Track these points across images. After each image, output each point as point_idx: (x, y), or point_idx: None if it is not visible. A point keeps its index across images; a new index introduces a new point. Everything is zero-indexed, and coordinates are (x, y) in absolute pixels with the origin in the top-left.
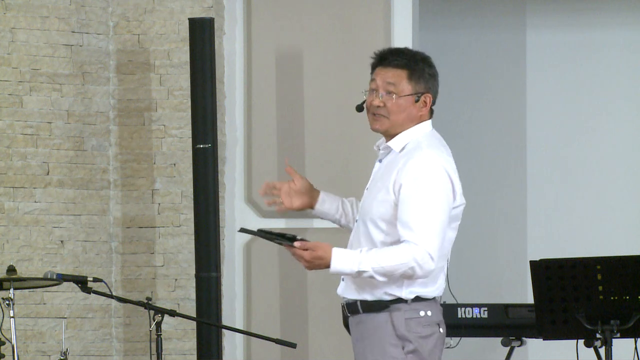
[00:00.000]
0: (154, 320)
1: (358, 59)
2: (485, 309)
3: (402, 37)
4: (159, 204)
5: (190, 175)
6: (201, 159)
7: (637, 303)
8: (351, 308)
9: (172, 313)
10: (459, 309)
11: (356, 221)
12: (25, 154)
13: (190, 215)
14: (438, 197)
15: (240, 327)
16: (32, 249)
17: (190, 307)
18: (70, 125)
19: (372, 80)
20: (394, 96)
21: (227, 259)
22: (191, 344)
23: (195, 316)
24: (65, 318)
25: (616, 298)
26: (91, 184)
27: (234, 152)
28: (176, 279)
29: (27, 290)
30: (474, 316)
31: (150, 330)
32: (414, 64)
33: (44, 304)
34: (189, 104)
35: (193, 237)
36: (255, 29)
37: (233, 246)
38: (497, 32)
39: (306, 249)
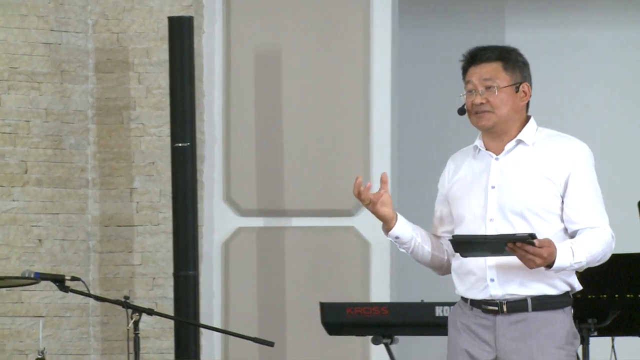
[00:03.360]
0: (132, 319)
1: (337, 58)
2: None
3: (382, 37)
4: (138, 202)
5: (169, 174)
6: (180, 157)
7: (614, 301)
8: (514, 306)
9: (150, 312)
10: (436, 307)
11: (490, 220)
12: (4, 152)
13: (168, 214)
14: (596, 179)
15: (218, 326)
16: (9, 248)
17: (168, 306)
18: (48, 124)
19: (468, 82)
20: (494, 90)
21: (205, 257)
22: (169, 342)
23: (173, 315)
24: (42, 317)
25: (594, 296)
26: (69, 182)
27: (213, 150)
28: (154, 278)
29: (4, 289)
30: None
31: (128, 329)
32: (506, 54)
33: (22, 302)
34: (168, 102)
35: (171, 235)
36: (235, 28)
37: (211, 245)
38: (476, 32)
39: (542, 247)
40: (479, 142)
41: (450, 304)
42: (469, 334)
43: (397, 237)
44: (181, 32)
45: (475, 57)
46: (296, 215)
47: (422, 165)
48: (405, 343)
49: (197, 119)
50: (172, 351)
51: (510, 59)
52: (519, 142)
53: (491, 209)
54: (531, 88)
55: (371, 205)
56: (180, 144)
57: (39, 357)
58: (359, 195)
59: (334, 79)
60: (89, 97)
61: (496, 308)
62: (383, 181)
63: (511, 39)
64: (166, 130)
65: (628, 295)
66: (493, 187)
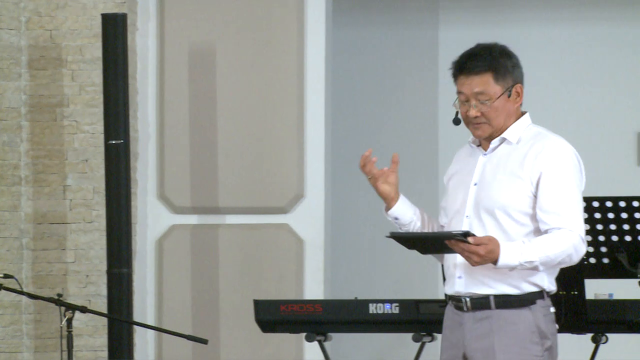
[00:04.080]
0: (65, 317)
1: (271, 56)
2: (397, 304)
3: (316, 34)
4: (71, 200)
5: (102, 172)
6: (113, 155)
7: (560, 299)
8: (478, 303)
9: (83, 309)
10: (370, 304)
11: (467, 217)
12: None
13: (102, 211)
14: (576, 182)
15: (152, 324)
16: None
17: (101, 304)
18: None
19: (460, 92)
20: (487, 102)
21: (138, 255)
22: (102, 340)
23: (106, 312)
24: None
25: None
26: (2, 179)
27: (146, 148)
28: (87, 275)
29: None
30: (386, 312)
31: (61, 327)
32: (496, 63)
33: None
34: (101, 99)
35: (105, 233)
36: (168, 25)
37: (145, 242)
38: (410, 29)
39: (479, 244)
40: (471, 138)
41: (383, 302)
42: (449, 329)
43: (396, 218)
44: (115, 30)
45: (464, 68)
46: (230, 212)
47: (356, 162)
48: (339, 340)
49: (130, 116)
50: (106, 349)
51: (500, 68)
52: (503, 139)
53: (469, 206)
54: (523, 85)
55: (372, 180)
56: (113, 142)
57: None
58: (363, 168)
59: (268, 77)
60: (21, 94)
61: (462, 304)
62: (394, 161)
63: (445, 37)
64: (100, 127)
65: (573, 293)
66: (475, 185)
